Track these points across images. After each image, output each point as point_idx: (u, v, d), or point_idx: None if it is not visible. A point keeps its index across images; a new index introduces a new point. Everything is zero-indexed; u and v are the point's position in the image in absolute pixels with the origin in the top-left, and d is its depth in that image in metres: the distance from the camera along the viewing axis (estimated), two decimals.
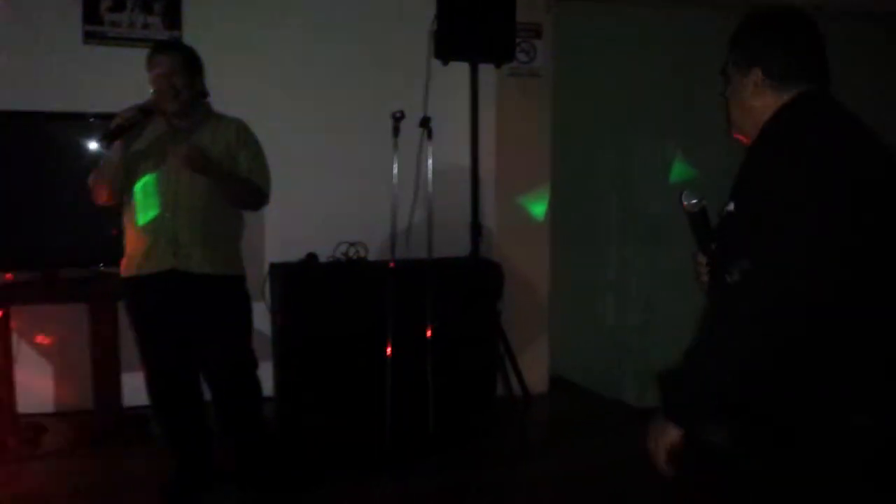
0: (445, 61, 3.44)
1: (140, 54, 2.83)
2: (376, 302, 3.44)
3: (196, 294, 2.77)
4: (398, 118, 3.12)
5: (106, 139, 2.69)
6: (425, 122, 3.25)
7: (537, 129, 4.03)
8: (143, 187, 2.76)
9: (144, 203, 2.76)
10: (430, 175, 3.30)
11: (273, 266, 3.82)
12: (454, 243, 3.82)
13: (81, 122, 3.40)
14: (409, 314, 3.34)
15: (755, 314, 1.51)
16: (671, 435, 1.61)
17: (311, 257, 3.87)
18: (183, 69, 2.76)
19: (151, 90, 2.74)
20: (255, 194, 2.86)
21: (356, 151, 3.88)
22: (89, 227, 3.29)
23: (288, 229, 3.81)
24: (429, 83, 3.37)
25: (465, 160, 3.79)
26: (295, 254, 3.82)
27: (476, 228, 3.60)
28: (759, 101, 1.67)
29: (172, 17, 3.78)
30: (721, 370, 1.55)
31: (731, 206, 1.67)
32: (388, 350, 3.26)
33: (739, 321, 1.53)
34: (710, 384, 1.57)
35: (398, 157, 3.22)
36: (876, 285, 1.55)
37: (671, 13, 4.25)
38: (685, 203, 1.80)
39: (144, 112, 2.70)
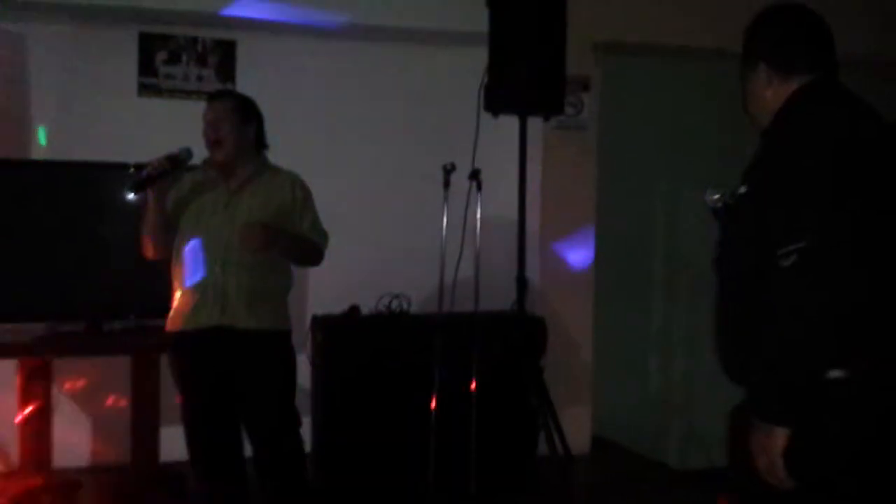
0: (496, 114, 3.41)
1: (195, 106, 2.82)
2: (418, 355, 3.39)
3: (241, 350, 2.71)
4: (449, 170, 3.08)
5: (132, 189, 2.60)
6: (475, 175, 3.21)
7: (582, 182, 3.99)
8: (192, 245, 2.71)
9: (194, 262, 2.71)
10: (478, 227, 3.25)
11: (315, 319, 3.76)
12: (500, 296, 3.75)
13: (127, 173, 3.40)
14: (450, 369, 3.27)
15: (831, 287, 1.55)
16: (780, 438, 1.60)
17: (354, 310, 3.81)
18: (232, 116, 2.74)
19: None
20: (314, 253, 2.83)
21: (404, 204, 3.87)
22: (135, 278, 3.26)
23: (332, 282, 3.76)
24: (478, 135, 3.33)
25: (511, 212, 3.75)
26: (340, 306, 3.76)
27: (522, 282, 3.52)
28: (770, 91, 1.78)
29: (227, 69, 3.80)
30: (809, 351, 1.57)
31: (744, 189, 1.75)
32: (433, 405, 3.18)
33: (815, 298, 1.55)
34: (803, 368, 1.58)
35: (447, 209, 3.18)
36: None
37: (712, 64, 4.22)
38: (708, 198, 1.86)
39: (173, 161, 2.63)
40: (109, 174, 3.36)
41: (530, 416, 3.71)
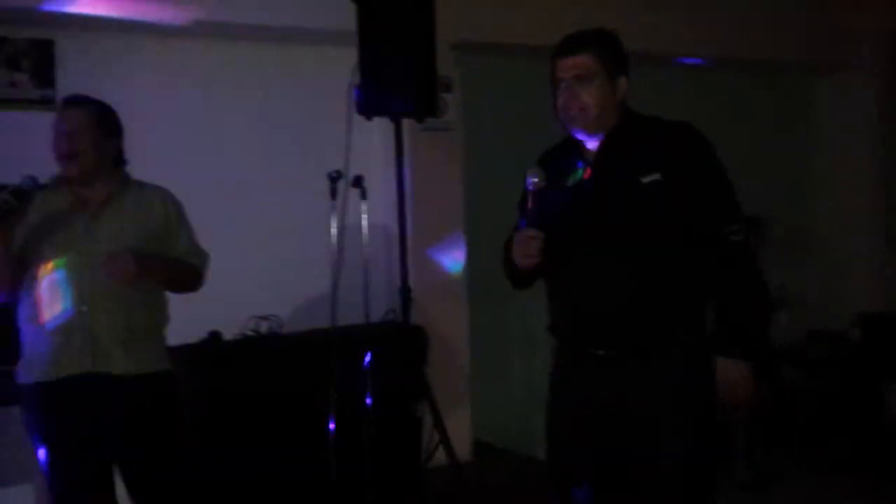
0: (369, 117, 3.23)
1: (7, 117, 2.40)
2: (297, 378, 3.18)
3: (118, 399, 2.34)
4: (335, 178, 2.86)
5: None
6: (358, 182, 3.02)
7: (451, 184, 3.91)
8: (50, 280, 2.31)
9: (51, 296, 2.31)
10: (364, 237, 3.07)
11: (169, 351, 3.36)
12: (363, 306, 3.58)
13: None
14: (340, 388, 3.09)
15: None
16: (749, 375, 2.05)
17: (214, 336, 3.47)
18: (92, 127, 2.37)
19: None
20: (194, 277, 2.51)
21: (278, 214, 3.59)
22: None
23: (190, 307, 3.39)
24: (350, 139, 3.14)
25: (376, 217, 3.60)
26: (199, 334, 3.41)
27: (406, 292, 3.37)
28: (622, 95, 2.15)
29: (43, 73, 3.29)
30: (769, 302, 2.19)
31: (657, 176, 2.03)
32: (331, 426, 2.99)
33: (761, 271, 2.11)
34: (768, 317, 2.27)
35: (334, 218, 2.98)
36: None
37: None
38: (534, 180, 2.05)
39: (19, 196, 2.23)
40: None
41: (417, 427, 3.60)
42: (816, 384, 4.45)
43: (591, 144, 2.17)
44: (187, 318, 3.32)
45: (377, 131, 3.64)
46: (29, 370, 2.35)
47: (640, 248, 2.05)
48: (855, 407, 4.38)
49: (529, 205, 2.07)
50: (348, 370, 3.18)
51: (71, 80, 3.31)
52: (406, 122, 3.50)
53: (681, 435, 2.02)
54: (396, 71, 3.19)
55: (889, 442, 4.28)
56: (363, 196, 3.02)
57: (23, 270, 2.32)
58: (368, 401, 3.06)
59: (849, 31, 4.98)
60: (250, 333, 3.51)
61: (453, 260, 3.94)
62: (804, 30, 4.76)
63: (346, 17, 3.17)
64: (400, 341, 3.55)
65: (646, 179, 2.03)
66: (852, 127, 5.13)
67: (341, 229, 3.09)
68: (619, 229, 2.06)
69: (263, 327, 3.52)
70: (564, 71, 2.12)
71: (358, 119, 3.23)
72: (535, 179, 2.06)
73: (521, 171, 4.27)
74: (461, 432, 3.95)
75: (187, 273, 2.53)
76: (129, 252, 2.30)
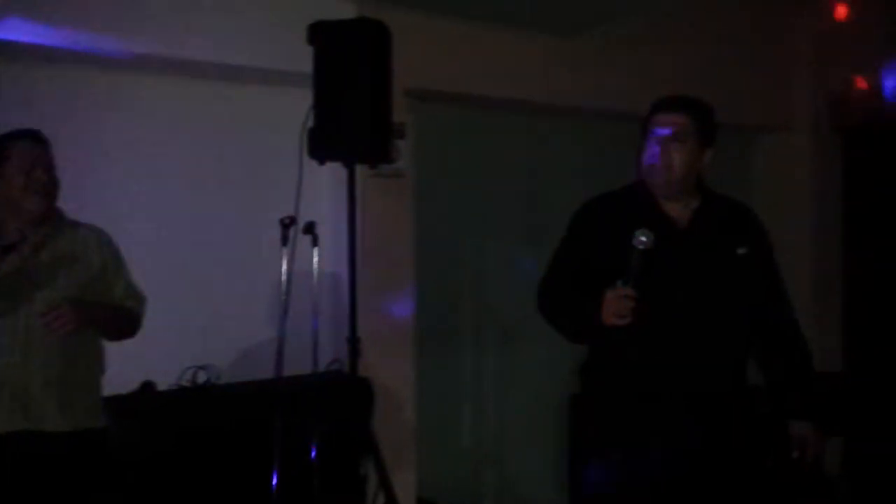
0: (321, 161, 3.13)
1: None
2: (235, 431, 3.05)
3: (50, 460, 2.15)
4: (287, 224, 2.74)
5: None
6: (310, 228, 2.91)
7: (401, 232, 3.82)
8: None
9: None
10: (315, 285, 2.95)
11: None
12: (307, 356, 3.43)
13: None
14: (282, 443, 2.93)
15: None
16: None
17: (147, 387, 3.27)
18: (53, 161, 2.23)
19: None
20: (132, 322, 2.35)
21: (220, 260, 3.44)
22: None
23: (126, 354, 3.18)
24: (301, 183, 3.04)
25: (325, 265, 3.49)
26: (131, 385, 3.20)
27: (354, 343, 3.24)
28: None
29: None
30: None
31: (744, 250, 2.27)
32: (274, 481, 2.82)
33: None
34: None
35: (285, 265, 2.85)
36: None
37: (524, 119, 4.34)
38: (643, 239, 2.08)
39: None
40: None
41: (362, 486, 3.45)
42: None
43: (673, 209, 2.26)
44: (119, 368, 3.15)
45: (328, 176, 3.53)
46: None
47: (731, 314, 2.25)
48: (795, 462, 4.40)
49: (633, 263, 2.10)
50: (292, 423, 3.03)
51: (2, 111, 3.12)
52: (357, 169, 3.43)
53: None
54: (350, 115, 3.11)
55: None
56: (314, 243, 2.91)
57: None
58: (313, 456, 2.91)
59: (783, 94, 5.17)
60: (186, 384, 3.33)
61: (402, 309, 3.83)
62: (741, 91, 4.91)
63: (302, 59, 3.09)
64: (345, 393, 3.41)
65: (740, 251, 2.24)
66: (785, 185, 5.29)
67: (290, 276, 2.96)
68: (715, 296, 2.23)
69: (200, 377, 3.34)
70: (661, 125, 2.19)
71: (310, 163, 3.13)
72: (645, 239, 2.08)
73: (473, 220, 4.30)
74: (406, 489, 3.80)
75: (126, 318, 2.38)
76: (67, 302, 2.13)
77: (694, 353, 2.20)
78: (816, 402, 2.41)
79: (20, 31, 3.01)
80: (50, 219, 2.28)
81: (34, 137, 2.30)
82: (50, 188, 2.26)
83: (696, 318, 2.20)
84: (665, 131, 2.18)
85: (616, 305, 2.07)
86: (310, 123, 3.08)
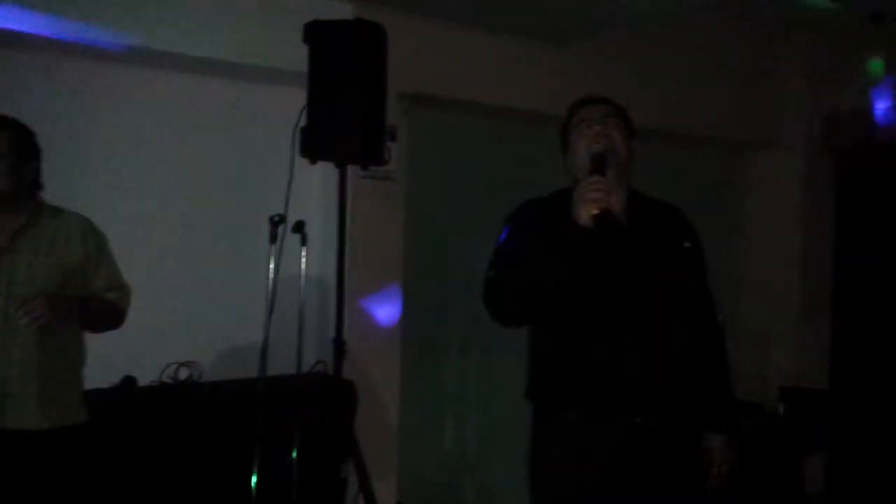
0: (313, 160, 3.12)
1: None
2: (218, 430, 3.00)
3: (31, 458, 2.12)
4: (277, 222, 2.72)
5: None
6: (299, 227, 2.89)
7: (390, 235, 3.81)
8: None
9: None
10: (302, 286, 2.92)
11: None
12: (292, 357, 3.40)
13: None
14: (263, 443, 2.91)
15: None
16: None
17: (129, 382, 3.24)
18: (11, 150, 2.20)
19: None
20: (115, 315, 2.32)
21: (208, 257, 3.42)
22: None
23: (107, 347, 3.15)
24: (292, 182, 3.02)
25: (314, 265, 3.47)
26: (113, 379, 3.18)
27: (339, 344, 3.21)
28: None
29: None
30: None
31: (688, 244, 2.19)
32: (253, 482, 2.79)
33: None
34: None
35: (273, 263, 2.83)
36: None
37: (516, 126, 4.33)
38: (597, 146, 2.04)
39: None
40: None
41: (342, 490, 3.42)
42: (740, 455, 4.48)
43: (612, 199, 2.08)
44: (100, 361, 3.12)
45: (318, 176, 3.52)
46: None
47: (676, 312, 2.11)
48: (777, 479, 4.41)
49: (592, 166, 2.02)
50: (273, 424, 3.00)
51: None
52: (348, 169, 3.42)
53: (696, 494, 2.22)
54: (344, 115, 3.09)
55: None
56: (303, 242, 2.89)
57: None
58: (293, 458, 2.88)
59: (775, 111, 5.19)
60: (168, 380, 3.29)
61: (389, 313, 3.82)
62: (733, 107, 4.93)
63: (297, 57, 3.07)
64: (329, 395, 3.38)
65: (686, 244, 2.15)
66: (776, 203, 5.30)
67: (277, 275, 2.93)
68: (663, 290, 2.10)
69: (183, 374, 3.31)
70: (592, 113, 2.14)
71: (300, 162, 3.12)
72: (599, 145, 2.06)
73: (462, 226, 4.29)
74: (387, 494, 3.78)
75: (108, 310, 2.34)
76: (42, 297, 2.10)
77: (645, 352, 2.08)
78: (732, 414, 2.27)
79: (6, 18, 2.99)
80: (26, 206, 2.25)
81: None
82: (5, 168, 2.19)
83: (648, 315, 2.09)
84: (598, 115, 2.12)
85: (588, 190, 1.94)
86: (303, 122, 3.07)
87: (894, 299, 4.91)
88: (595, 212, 1.93)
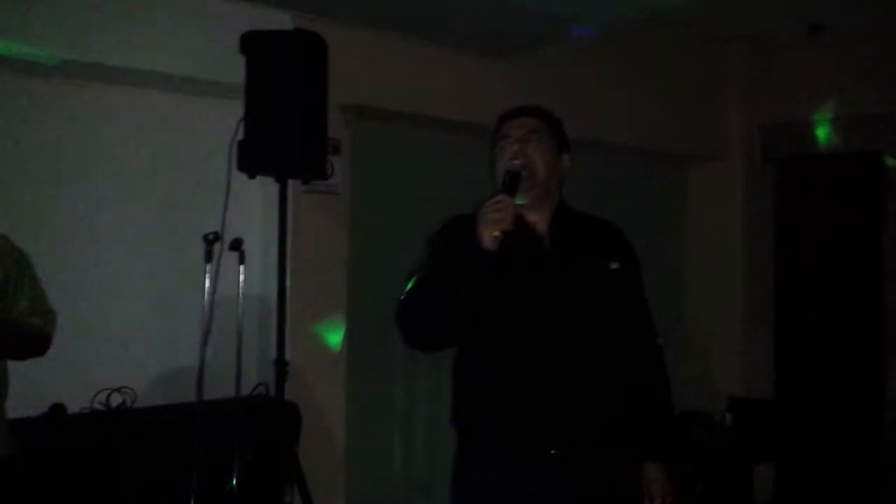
0: (252, 175, 3.01)
1: None
2: (153, 458, 2.89)
3: None
4: (212, 240, 2.61)
5: None
6: (237, 245, 2.77)
7: (334, 251, 3.71)
8: None
9: None
10: (240, 305, 2.81)
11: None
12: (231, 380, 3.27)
13: None
14: (201, 471, 2.78)
15: None
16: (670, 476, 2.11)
17: (57, 409, 3.07)
18: None
19: None
20: (38, 341, 2.18)
21: (141, 272, 3.27)
22: None
23: (34, 374, 2.97)
24: (228, 197, 2.91)
25: (254, 284, 3.35)
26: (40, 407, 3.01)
27: (281, 365, 3.10)
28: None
29: None
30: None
31: (616, 265, 2.07)
32: None
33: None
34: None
35: (208, 283, 2.71)
36: None
37: (463, 139, 4.28)
38: (514, 162, 2.00)
39: None
40: None
41: None
42: (690, 467, 4.48)
43: (534, 218, 2.05)
44: (25, 389, 2.93)
45: (258, 192, 3.41)
46: None
47: (603, 338, 2.00)
48: (727, 488, 4.43)
49: (504, 182, 1.97)
50: (212, 450, 2.87)
51: None
52: (289, 184, 3.32)
53: None
54: (283, 128, 2.99)
55: None
56: (241, 260, 2.78)
57: None
58: (234, 486, 2.75)
59: (716, 124, 5.26)
60: (99, 407, 3.13)
61: (332, 331, 3.71)
62: (676, 120, 4.97)
63: (234, 69, 2.97)
64: (271, 419, 3.26)
65: (612, 266, 2.04)
66: (718, 214, 5.36)
67: (214, 295, 2.81)
68: (587, 315, 1.99)
69: (115, 400, 3.15)
70: (513, 129, 2.06)
71: (238, 177, 3.01)
72: (517, 163, 2.00)
73: (408, 240, 4.20)
74: None
75: (29, 336, 2.20)
76: None
77: (564, 380, 1.97)
78: (672, 443, 2.18)
79: None
80: None
81: None
82: None
83: (568, 340, 1.98)
84: (519, 131, 2.05)
85: (488, 210, 1.86)
86: (240, 136, 2.96)
87: (834, 306, 4.99)
88: (496, 233, 1.85)
